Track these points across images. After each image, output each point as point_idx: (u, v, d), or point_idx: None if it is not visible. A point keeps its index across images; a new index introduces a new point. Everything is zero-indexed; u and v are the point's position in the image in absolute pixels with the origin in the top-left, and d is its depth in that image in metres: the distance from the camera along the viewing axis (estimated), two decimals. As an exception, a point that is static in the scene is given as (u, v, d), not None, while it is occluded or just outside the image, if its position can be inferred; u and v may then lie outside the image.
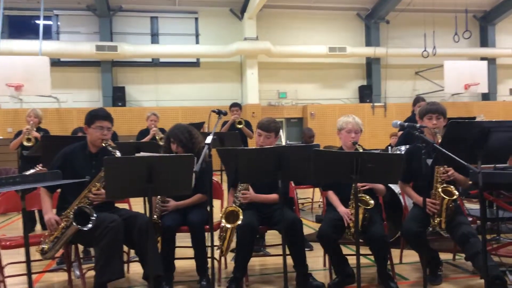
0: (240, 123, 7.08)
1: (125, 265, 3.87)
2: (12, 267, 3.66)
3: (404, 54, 15.89)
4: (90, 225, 3.04)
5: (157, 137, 6.43)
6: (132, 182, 2.79)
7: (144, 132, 6.68)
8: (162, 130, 6.50)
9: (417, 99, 6.18)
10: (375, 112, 15.70)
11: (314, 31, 15.72)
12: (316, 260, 4.04)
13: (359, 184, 3.30)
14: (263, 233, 4.38)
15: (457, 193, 3.30)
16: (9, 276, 3.51)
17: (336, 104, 15.69)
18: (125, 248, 3.64)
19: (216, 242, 3.38)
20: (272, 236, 4.58)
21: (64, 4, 14.28)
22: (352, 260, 3.33)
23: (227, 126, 7.04)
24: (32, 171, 4.44)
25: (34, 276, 3.67)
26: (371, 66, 16.06)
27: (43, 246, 3.18)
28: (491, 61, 16.42)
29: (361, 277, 2.96)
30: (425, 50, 13.99)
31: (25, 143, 5.81)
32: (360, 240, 3.10)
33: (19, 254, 3.48)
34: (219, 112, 3.50)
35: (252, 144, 5.49)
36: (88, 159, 3.47)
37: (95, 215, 3.07)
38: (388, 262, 3.44)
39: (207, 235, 3.35)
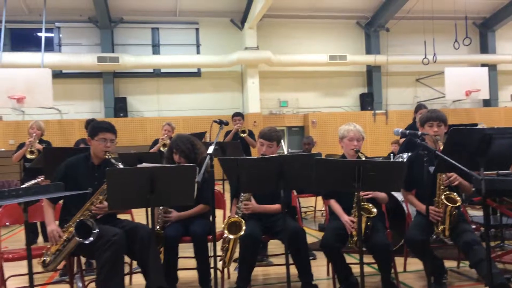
0: (243, 132, 7.09)
1: (128, 277, 3.86)
2: (15, 280, 3.65)
3: (405, 61, 15.93)
4: (91, 238, 3.03)
5: (161, 146, 6.42)
6: (135, 193, 2.79)
7: (158, 141, 6.70)
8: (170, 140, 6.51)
9: (419, 106, 6.19)
10: (376, 120, 15.71)
11: (314, 40, 15.79)
12: (320, 269, 4.02)
13: (361, 193, 3.30)
14: (265, 242, 4.36)
15: (460, 200, 3.29)
16: (12, 289, 3.50)
17: (338, 112, 15.71)
18: (128, 260, 3.62)
19: (219, 252, 3.37)
20: (275, 246, 4.56)
21: (65, 17, 14.38)
22: (356, 269, 3.32)
23: (231, 136, 7.05)
24: (33, 181, 4.46)
25: (36, 289, 3.65)
26: (372, 74, 16.10)
27: (44, 258, 3.17)
28: (492, 67, 16.43)
29: (365, 286, 2.95)
30: (425, 57, 14.02)
31: (28, 156, 5.81)
32: (364, 249, 3.09)
33: (22, 266, 3.47)
34: (221, 122, 3.51)
35: (255, 153, 5.49)
36: (90, 170, 3.48)
37: (96, 229, 3.06)
38: (392, 271, 3.42)
39: (210, 245, 3.34)
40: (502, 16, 16.23)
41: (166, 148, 6.26)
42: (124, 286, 3.21)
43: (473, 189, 3.38)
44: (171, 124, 6.66)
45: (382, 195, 3.50)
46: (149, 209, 3.10)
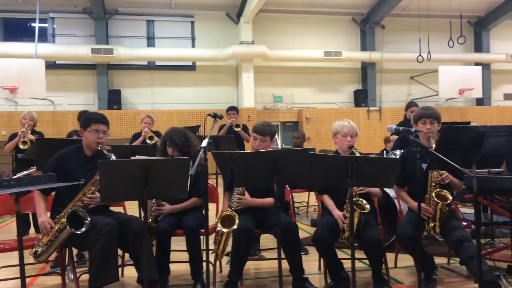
0: (237, 126, 7.08)
1: (120, 269, 3.85)
2: (6, 271, 3.64)
3: (399, 58, 15.98)
4: (83, 229, 3.03)
5: (146, 139, 6.35)
6: (127, 185, 2.78)
7: (138, 135, 6.60)
8: (157, 133, 6.45)
9: (410, 104, 6.21)
10: (370, 116, 15.76)
11: (309, 36, 15.79)
12: (311, 264, 4.04)
13: (355, 188, 3.31)
14: (258, 237, 4.37)
15: (450, 197, 3.32)
16: (3, 280, 3.48)
17: (332, 108, 15.74)
18: (120, 252, 3.62)
19: (211, 246, 3.38)
20: (267, 240, 4.57)
21: (60, 7, 14.27)
22: (347, 264, 3.33)
23: (225, 130, 7.04)
24: (25, 172, 4.43)
25: (27, 280, 3.63)
26: (366, 70, 16.13)
27: (36, 249, 3.16)
28: (485, 66, 16.52)
29: (356, 281, 2.97)
30: (420, 55, 14.07)
31: (21, 146, 5.77)
32: (355, 244, 3.11)
33: (13, 257, 3.45)
34: (215, 116, 3.50)
35: (248, 148, 5.49)
36: (83, 162, 3.46)
37: (88, 219, 3.05)
38: (383, 266, 3.44)
39: (202, 239, 3.34)
40: (497, 15, 16.31)
41: (152, 141, 6.22)
42: (118, 275, 3.21)
43: (464, 186, 3.41)
44: (151, 116, 6.57)
45: (376, 189, 3.52)
46: (142, 201, 3.09)
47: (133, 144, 6.25)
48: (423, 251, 3.45)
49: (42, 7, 12.76)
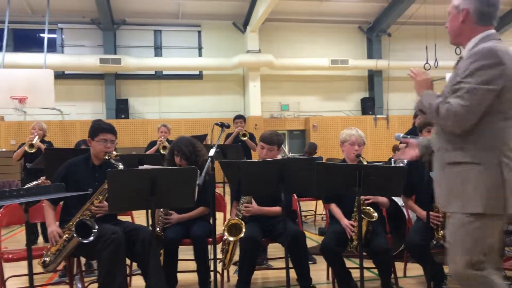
0: (244, 135, 7.07)
1: (128, 278, 3.86)
2: (14, 280, 3.65)
3: (406, 66, 15.91)
4: (91, 238, 3.04)
5: (160, 148, 6.39)
6: (135, 194, 2.79)
7: (154, 143, 6.66)
8: (168, 142, 6.48)
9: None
10: (377, 124, 15.72)
11: (316, 44, 15.82)
12: (319, 273, 4.02)
13: (363, 197, 3.30)
14: (265, 245, 4.36)
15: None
16: (11, 289, 3.50)
17: (339, 116, 15.72)
18: (127, 261, 3.62)
19: (219, 255, 3.37)
20: (275, 249, 4.55)
21: (68, 18, 14.44)
22: (355, 274, 3.31)
23: (231, 138, 7.04)
24: (35, 183, 4.47)
25: (36, 289, 3.65)
26: (373, 78, 16.12)
27: (45, 258, 3.16)
28: (493, 73, 16.42)
29: (364, 291, 2.95)
30: (427, 63, 14.03)
31: (28, 150, 5.79)
32: (364, 253, 3.09)
33: (21, 267, 3.47)
34: (222, 125, 3.51)
35: (255, 156, 5.49)
36: (91, 171, 3.48)
37: (96, 227, 3.06)
38: (392, 276, 3.42)
39: (210, 248, 3.34)
40: (504, 22, 16.25)
41: (166, 151, 6.23)
42: (125, 284, 3.21)
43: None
44: (166, 125, 6.61)
45: (383, 199, 3.50)
46: (150, 210, 3.10)
47: (145, 153, 6.30)
48: (432, 260, 3.42)
49: (51, 18, 12.92)
